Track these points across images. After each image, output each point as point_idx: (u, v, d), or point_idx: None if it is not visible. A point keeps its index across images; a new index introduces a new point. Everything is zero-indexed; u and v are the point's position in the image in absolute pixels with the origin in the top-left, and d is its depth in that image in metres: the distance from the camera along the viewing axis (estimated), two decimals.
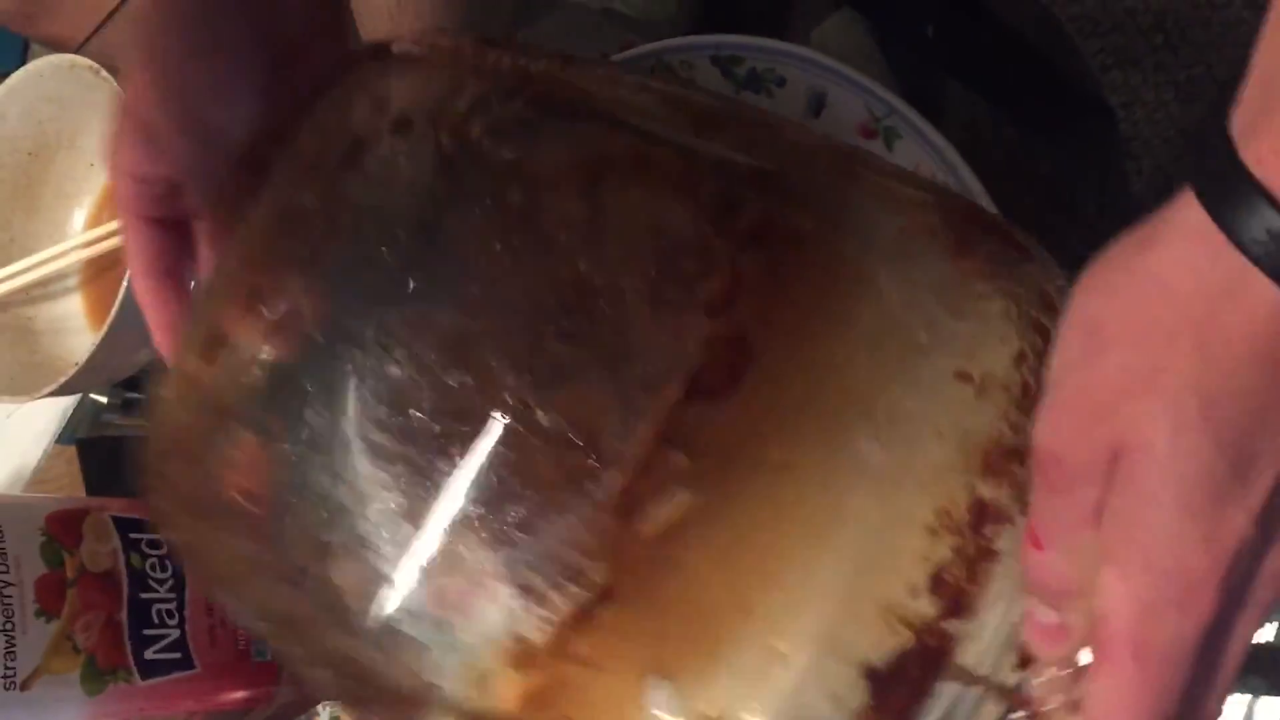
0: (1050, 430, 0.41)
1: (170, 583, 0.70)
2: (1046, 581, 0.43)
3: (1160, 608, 0.39)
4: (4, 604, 0.62)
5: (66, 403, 0.95)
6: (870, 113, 0.64)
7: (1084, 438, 0.40)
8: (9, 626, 0.62)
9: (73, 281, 0.90)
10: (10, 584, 0.63)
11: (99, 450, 1.01)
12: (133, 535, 0.70)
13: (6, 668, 0.61)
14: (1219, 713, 0.41)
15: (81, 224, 0.91)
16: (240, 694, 0.71)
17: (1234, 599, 0.39)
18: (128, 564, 0.68)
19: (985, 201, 0.59)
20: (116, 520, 0.70)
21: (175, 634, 0.69)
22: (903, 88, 0.63)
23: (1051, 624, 0.44)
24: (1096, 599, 0.40)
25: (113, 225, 0.84)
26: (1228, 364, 0.37)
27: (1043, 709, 0.45)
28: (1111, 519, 0.40)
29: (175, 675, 0.68)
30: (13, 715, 0.62)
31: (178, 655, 0.68)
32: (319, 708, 0.79)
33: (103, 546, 0.68)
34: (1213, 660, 0.41)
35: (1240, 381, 0.37)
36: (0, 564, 0.63)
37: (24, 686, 0.62)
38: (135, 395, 0.95)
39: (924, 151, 0.62)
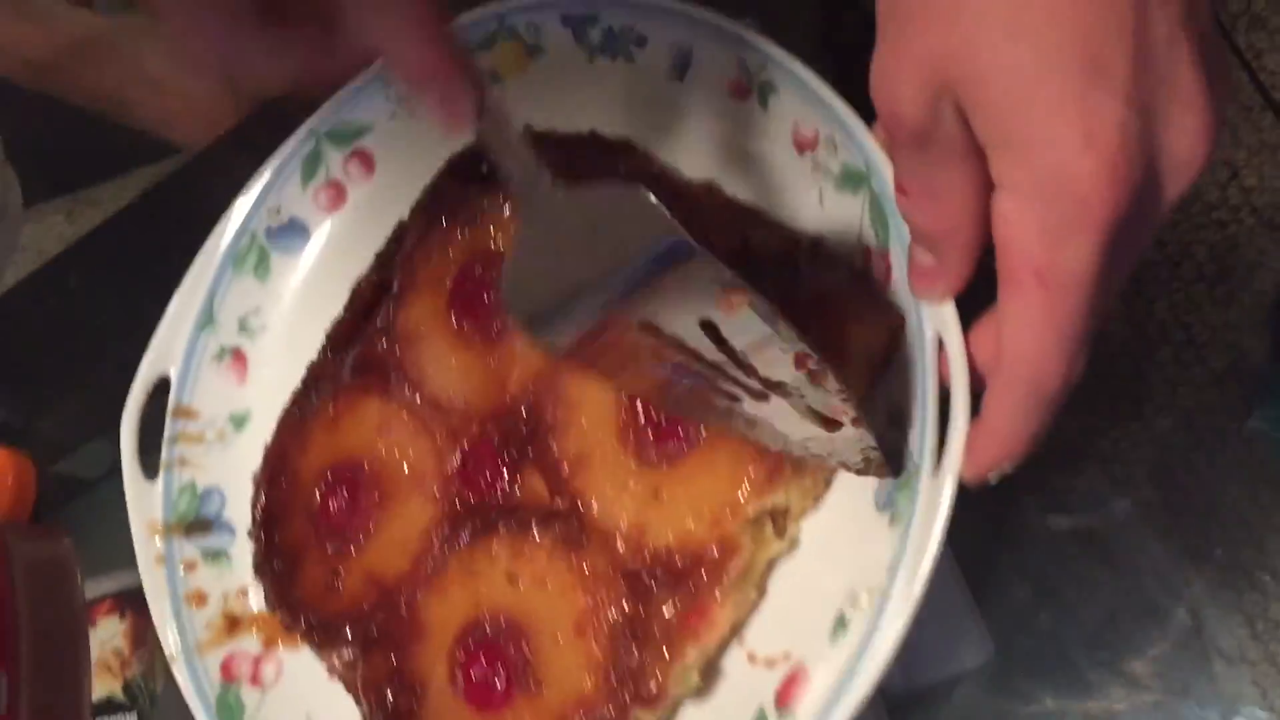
0: (882, 92, 0.41)
1: None
2: (918, 224, 0.45)
3: (1058, 229, 0.38)
4: None
5: None
6: (743, 68, 0.57)
7: (912, 88, 0.40)
8: None
9: None
10: None
11: None
12: None
13: None
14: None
15: None
16: None
17: (1138, 204, 0.37)
18: None
19: (877, 156, 0.52)
20: None
21: None
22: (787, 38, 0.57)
23: (928, 265, 0.46)
24: (995, 228, 0.40)
25: None
26: None
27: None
28: (992, 149, 0.39)
29: None
30: None
31: None
32: None
33: None
34: (1122, 267, 0.40)
35: None
36: None
37: None
38: None
39: (805, 105, 0.55)
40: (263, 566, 0.62)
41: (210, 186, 0.79)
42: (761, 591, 0.55)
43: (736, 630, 0.54)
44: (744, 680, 0.53)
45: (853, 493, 0.53)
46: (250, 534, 0.64)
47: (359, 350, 0.63)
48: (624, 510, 0.54)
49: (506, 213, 0.61)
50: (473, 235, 0.62)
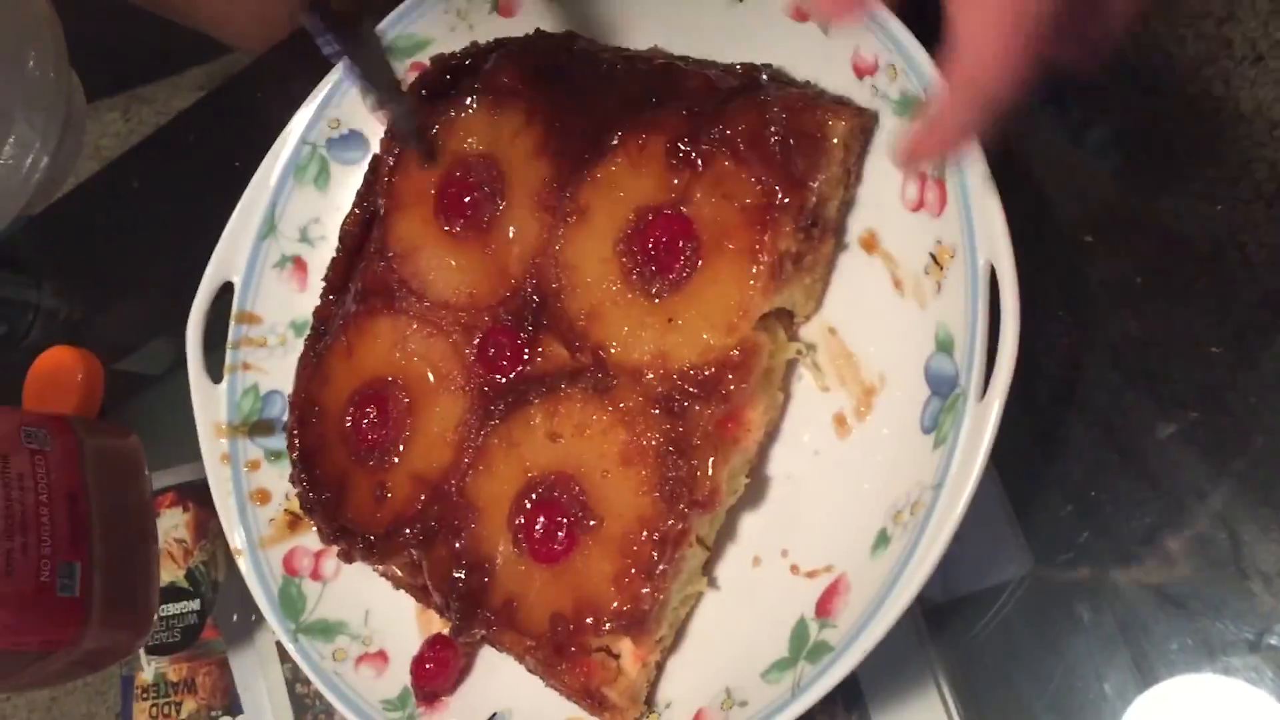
0: None
1: None
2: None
3: None
4: None
5: None
6: None
7: None
8: None
9: None
10: None
11: None
12: None
13: None
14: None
15: None
16: (39, 633, 0.59)
17: None
18: None
19: (937, 85, 0.52)
20: None
21: None
22: None
23: (921, 131, 0.47)
24: None
25: None
26: None
27: None
28: None
29: None
30: None
31: None
32: (143, 659, 0.68)
33: None
34: None
35: None
36: None
37: None
38: None
39: (867, 31, 0.54)
40: (311, 505, 0.64)
41: (268, 94, 0.79)
42: (787, 394, 0.57)
43: (771, 432, 0.57)
44: (786, 590, 0.55)
45: (898, 415, 0.54)
46: (291, 479, 0.65)
47: (359, 281, 0.65)
48: (644, 344, 0.56)
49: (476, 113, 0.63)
50: (446, 144, 0.63)
